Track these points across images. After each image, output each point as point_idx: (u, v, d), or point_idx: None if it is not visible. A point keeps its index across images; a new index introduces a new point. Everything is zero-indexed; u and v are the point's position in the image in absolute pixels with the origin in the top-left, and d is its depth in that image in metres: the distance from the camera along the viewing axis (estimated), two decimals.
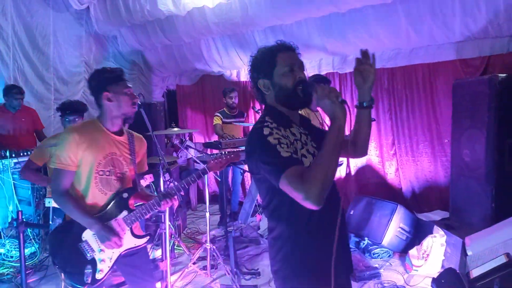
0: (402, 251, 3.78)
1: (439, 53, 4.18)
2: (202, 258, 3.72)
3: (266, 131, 1.41)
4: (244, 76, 5.99)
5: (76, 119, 3.33)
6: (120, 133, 2.14)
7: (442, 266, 3.31)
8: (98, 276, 2.01)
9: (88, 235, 2.02)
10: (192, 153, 4.97)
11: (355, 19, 4.15)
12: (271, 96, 1.53)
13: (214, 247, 3.44)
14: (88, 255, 2.00)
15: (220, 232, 4.63)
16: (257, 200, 4.79)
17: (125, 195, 2.09)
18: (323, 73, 4.94)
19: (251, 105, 5.69)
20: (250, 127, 5.70)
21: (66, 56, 5.73)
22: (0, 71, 5.00)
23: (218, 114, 5.14)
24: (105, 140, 2.06)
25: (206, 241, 3.51)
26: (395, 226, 3.76)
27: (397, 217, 3.79)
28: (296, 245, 1.47)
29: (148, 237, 2.18)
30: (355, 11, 4.04)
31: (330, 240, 1.35)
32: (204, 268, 3.56)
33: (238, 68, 5.96)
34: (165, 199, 2.09)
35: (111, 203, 2.05)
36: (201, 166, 3.14)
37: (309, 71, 5.10)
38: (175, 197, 2.13)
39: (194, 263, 3.49)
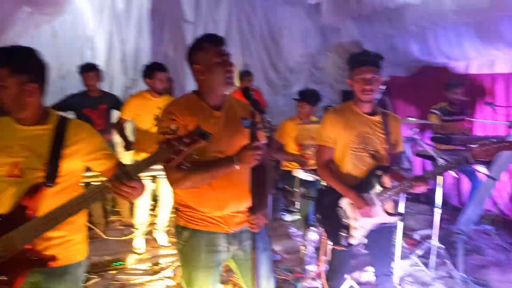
0: None
1: None
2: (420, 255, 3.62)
3: None
4: (475, 68, 5.38)
5: (305, 106, 3.73)
6: (373, 113, 2.26)
7: None
8: (351, 241, 2.23)
9: (344, 203, 2.25)
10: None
11: None
12: None
13: (442, 245, 3.30)
14: (344, 220, 2.24)
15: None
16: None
17: (379, 172, 2.22)
18: None
19: (484, 101, 5.09)
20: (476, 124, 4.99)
21: (295, 47, 6.42)
22: (247, 60, 6.02)
23: (436, 111, 4.67)
24: (358, 120, 2.23)
25: (429, 238, 3.40)
26: None
27: None
28: None
29: (399, 216, 2.28)
30: None
31: None
32: (425, 264, 3.47)
33: (469, 59, 5.38)
34: (419, 182, 2.10)
35: (365, 178, 2.22)
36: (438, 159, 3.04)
37: None
38: (427, 181, 2.12)
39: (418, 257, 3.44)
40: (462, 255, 3.26)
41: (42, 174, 1.55)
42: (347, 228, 2.23)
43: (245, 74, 5.47)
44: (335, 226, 2.25)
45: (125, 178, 1.44)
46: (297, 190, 3.46)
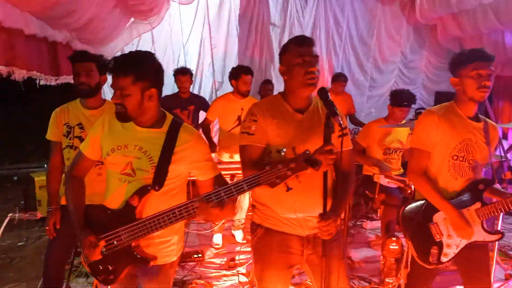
0: None
1: None
2: None
3: None
4: None
5: (404, 109, 3.51)
6: (476, 119, 2.04)
7: None
8: (443, 259, 2.02)
9: (439, 218, 2.03)
10: None
11: None
12: None
13: None
14: (437, 237, 2.03)
15: None
16: None
17: (480, 186, 2.00)
18: None
19: None
20: None
21: (385, 47, 6.11)
22: (332, 60, 5.91)
23: None
24: (462, 125, 2.01)
25: None
26: None
27: None
28: None
29: (499, 235, 2.03)
30: None
31: None
32: None
33: None
34: None
35: (466, 192, 2.00)
36: None
37: None
38: None
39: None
40: None
41: (150, 176, 1.61)
42: (439, 245, 2.03)
43: (339, 77, 5.24)
44: (426, 243, 2.03)
45: (215, 201, 1.46)
46: (378, 197, 3.29)
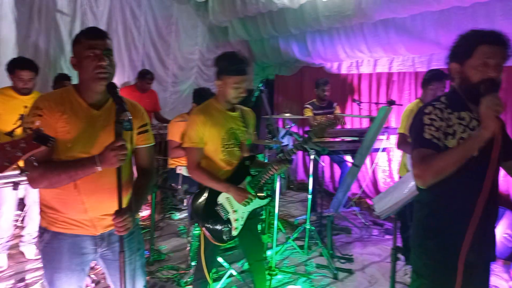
0: (507, 259, 3.62)
1: None
2: (297, 239, 3.95)
3: (427, 110, 1.63)
4: (345, 68, 6.05)
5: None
6: (233, 110, 2.42)
7: None
8: (234, 233, 2.33)
9: (222, 199, 2.32)
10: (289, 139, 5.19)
11: (478, 13, 3.96)
12: (457, 80, 1.64)
13: (313, 228, 3.66)
14: (224, 216, 2.32)
15: (312, 218, 4.82)
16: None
17: (247, 162, 2.40)
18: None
19: (351, 97, 5.74)
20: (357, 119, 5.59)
21: (184, 45, 6.37)
22: (132, 54, 5.77)
23: (308, 106, 5.18)
24: (223, 118, 2.35)
25: (305, 222, 3.74)
26: (501, 232, 3.63)
27: (504, 223, 3.66)
28: (430, 211, 1.68)
29: (270, 197, 2.46)
30: (479, 5, 3.86)
31: (466, 219, 1.47)
32: (301, 247, 3.80)
33: (341, 61, 6.03)
34: (278, 164, 2.35)
35: (237, 170, 2.35)
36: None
37: (418, 66, 5.00)
38: (284, 161, 2.38)
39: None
40: (330, 235, 3.65)
41: None
42: (228, 222, 2.31)
43: (145, 74, 5.13)
44: (217, 225, 2.29)
45: None
46: (181, 187, 3.48)
